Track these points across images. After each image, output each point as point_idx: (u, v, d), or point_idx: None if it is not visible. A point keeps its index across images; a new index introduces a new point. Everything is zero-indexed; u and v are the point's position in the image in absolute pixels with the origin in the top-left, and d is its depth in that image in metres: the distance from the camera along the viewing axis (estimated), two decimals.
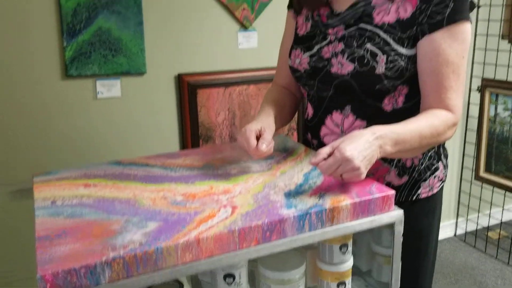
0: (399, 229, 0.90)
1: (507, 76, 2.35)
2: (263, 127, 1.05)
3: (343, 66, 1.03)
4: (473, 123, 2.56)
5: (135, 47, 1.80)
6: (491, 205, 2.59)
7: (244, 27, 1.98)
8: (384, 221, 0.89)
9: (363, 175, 0.89)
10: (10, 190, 1.05)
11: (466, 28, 1.00)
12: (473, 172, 2.58)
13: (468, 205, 2.70)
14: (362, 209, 0.87)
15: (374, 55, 1.00)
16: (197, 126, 1.97)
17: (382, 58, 1.00)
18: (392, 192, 0.90)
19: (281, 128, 1.72)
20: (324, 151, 0.90)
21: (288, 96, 1.25)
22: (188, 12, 1.87)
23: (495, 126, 2.42)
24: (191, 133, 1.96)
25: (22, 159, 1.69)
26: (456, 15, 0.98)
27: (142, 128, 1.88)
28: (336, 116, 1.09)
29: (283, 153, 1.13)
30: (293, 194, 0.89)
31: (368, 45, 1.01)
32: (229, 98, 2.01)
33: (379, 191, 0.89)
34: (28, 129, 1.69)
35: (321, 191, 0.90)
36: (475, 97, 2.51)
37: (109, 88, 1.81)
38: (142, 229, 0.75)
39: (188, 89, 1.92)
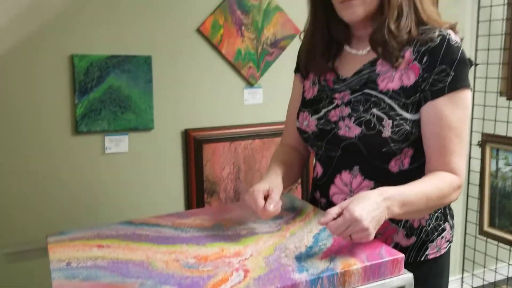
0: None
1: (506, 132, 2.39)
2: (271, 187, 1.07)
3: (350, 129, 1.07)
4: (475, 178, 2.58)
5: (144, 103, 1.85)
6: (496, 260, 2.57)
7: (250, 84, 2.04)
8: (395, 284, 0.90)
9: (372, 236, 0.90)
10: (18, 250, 1.05)
11: (466, 95, 1.05)
12: (477, 227, 2.57)
13: (474, 260, 2.67)
14: (373, 272, 0.87)
15: (380, 120, 1.04)
16: (202, 181, 1.99)
17: (388, 123, 1.03)
18: (401, 255, 0.91)
19: None
20: (333, 211, 0.91)
21: (296, 156, 1.28)
22: (196, 70, 1.93)
23: (497, 181, 2.44)
24: (196, 187, 1.98)
25: (32, 215, 1.71)
26: (457, 83, 1.03)
27: (148, 182, 1.90)
28: (345, 175, 1.12)
29: (291, 212, 1.14)
30: (304, 257, 0.90)
31: (374, 110, 1.05)
32: (234, 153, 2.04)
33: (389, 254, 0.91)
34: (37, 184, 1.71)
35: (331, 254, 0.91)
36: (476, 152, 2.54)
37: (117, 143, 1.84)
38: None
39: (194, 144, 1.96)
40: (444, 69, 1.03)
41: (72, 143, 1.76)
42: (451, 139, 1.03)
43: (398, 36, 1.05)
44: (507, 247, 2.47)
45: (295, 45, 2.05)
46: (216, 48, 1.95)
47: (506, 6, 2.37)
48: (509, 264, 2.57)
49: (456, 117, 1.03)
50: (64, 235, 1.01)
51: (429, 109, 1.04)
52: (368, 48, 1.12)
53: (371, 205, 0.90)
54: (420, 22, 1.08)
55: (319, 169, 1.19)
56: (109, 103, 1.80)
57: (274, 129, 2.08)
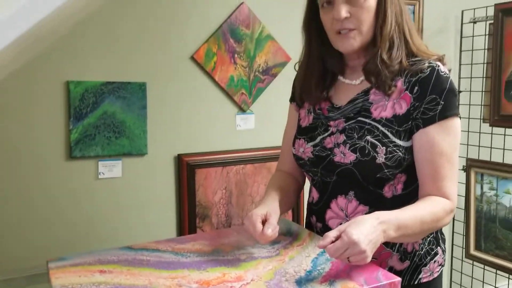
0: None
1: (490, 157, 2.46)
2: (269, 212, 1.10)
3: (345, 156, 1.11)
4: (461, 202, 2.64)
5: (138, 129, 1.88)
6: (483, 283, 2.61)
7: (242, 110, 2.08)
8: None
9: (369, 258, 0.93)
10: (18, 276, 1.05)
11: (456, 123, 1.10)
12: (464, 250, 2.62)
13: (461, 284, 2.71)
14: None
15: (374, 146, 1.08)
16: (194, 205, 2.00)
17: (382, 149, 1.07)
18: (398, 279, 0.94)
19: None
20: (332, 234, 0.94)
21: (292, 182, 1.31)
22: (190, 96, 1.97)
23: (482, 205, 2.50)
24: (189, 211, 1.99)
25: (27, 240, 1.70)
26: (447, 112, 1.08)
27: (142, 206, 1.91)
28: (341, 200, 1.15)
29: (288, 237, 1.17)
30: (304, 281, 0.92)
31: (368, 137, 1.09)
32: (226, 177, 2.06)
33: (386, 278, 0.93)
34: (33, 208, 1.71)
35: (330, 278, 0.93)
36: (461, 176, 2.60)
37: (111, 169, 1.85)
38: None
39: (187, 169, 1.98)
40: (434, 98, 1.08)
41: (66, 168, 1.76)
42: (443, 165, 1.07)
43: (390, 65, 1.10)
44: (493, 270, 2.51)
45: (286, 72, 2.11)
46: (209, 75, 1.99)
47: (487, 36, 2.48)
48: (495, 287, 2.60)
49: (447, 144, 1.08)
50: (65, 260, 1.01)
51: (421, 137, 1.08)
52: (361, 78, 1.17)
53: (368, 229, 0.94)
54: (410, 53, 1.14)
55: (315, 194, 1.22)
56: (104, 128, 1.82)
57: (266, 154, 2.12)
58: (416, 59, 1.12)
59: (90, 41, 1.76)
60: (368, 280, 0.92)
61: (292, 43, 2.11)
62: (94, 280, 0.91)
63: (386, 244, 1.12)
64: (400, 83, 1.11)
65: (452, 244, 2.74)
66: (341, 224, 1.15)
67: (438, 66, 1.10)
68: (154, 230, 1.92)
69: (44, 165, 1.73)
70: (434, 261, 1.16)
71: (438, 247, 1.18)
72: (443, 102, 1.08)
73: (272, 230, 1.05)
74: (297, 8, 2.05)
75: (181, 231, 1.99)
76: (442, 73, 1.10)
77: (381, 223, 0.97)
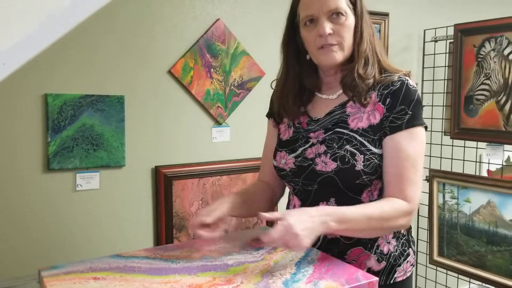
0: None
1: (451, 167, 2.61)
2: (212, 210, 1.19)
3: (327, 165, 1.18)
4: (424, 210, 2.77)
5: (116, 141, 1.90)
6: None
7: (218, 123, 2.14)
8: None
9: (304, 243, 1.01)
10: (10, 285, 1.07)
11: (421, 132, 1.20)
12: (428, 256, 2.74)
13: None
14: None
15: (353, 155, 1.16)
16: (171, 216, 2.04)
17: (360, 157, 1.16)
18: (376, 278, 1.01)
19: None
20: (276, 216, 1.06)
21: (266, 190, 1.39)
22: (167, 110, 2.01)
23: (444, 213, 2.63)
24: (166, 222, 2.02)
25: (9, 250, 1.70)
26: (414, 121, 1.18)
27: (119, 217, 1.93)
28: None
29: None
30: (290, 282, 0.98)
31: (347, 147, 1.17)
32: (202, 188, 2.11)
33: (365, 278, 1.01)
34: (14, 219, 1.71)
35: (314, 279, 1.00)
36: (425, 186, 2.74)
37: (88, 181, 1.87)
38: None
39: (164, 181, 2.01)
40: (403, 109, 1.17)
41: (44, 181, 1.77)
42: (408, 169, 1.16)
43: (366, 79, 1.19)
44: (455, 274, 2.65)
45: (260, 87, 2.19)
46: (186, 88, 2.04)
47: (447, 54, 2.64)
48: None
49: (412, 149, 1.17)
50: (57, 269, 1.04)
51: (388, 142, 1.18)
52: (338, 93, 1.25)
53: (306, 217, 1.04)
54: (381, 69, 1.23)
55: (297, 202, 1.29)
56: (82, 141, 1.84)
57: (241, 166, 2.18)
58: (387, 74, 1.22)
59: (69, 54, 1.79)
60: (349, 281, 0.99)
61: (266, 58, 2.20)
62: (89, 287, 0.95)
63: (365, 247, 1.20)
64: (374, 96, 1.20)
65: (417, 251, 2.87)
66: None
67: (407, 79, 1.21)
68: (131, 241, 1.94)
69: (23, 177, 1.73)
70: (407, 262, 1.25)
71: (410, 249, 1.27)
72: (410, 112, 1.17)
73: (206, 234, 1.15)
74: (271, 25, 2.16)
75: (158, 242, 2.01)
76: (411, 86, 1.20)
77: (322, 214, 1.06)
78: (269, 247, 1.19)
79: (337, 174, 1.17)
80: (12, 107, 1.71)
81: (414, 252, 1.29)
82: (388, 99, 1.19)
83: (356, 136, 1.19)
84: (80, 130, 1.83)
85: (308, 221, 1.02)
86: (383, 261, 1.22)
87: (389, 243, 1.23)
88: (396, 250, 1.24)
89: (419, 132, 1.19)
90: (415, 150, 1.17)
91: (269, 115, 1.42)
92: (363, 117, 1.20)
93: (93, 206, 1.87)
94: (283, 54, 1.31)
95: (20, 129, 1.73)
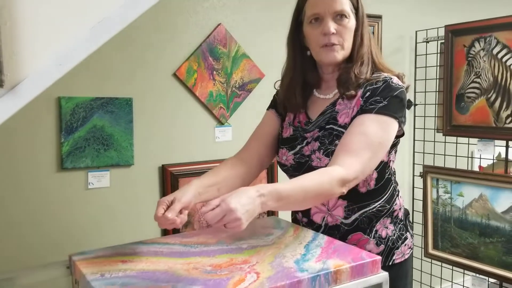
0: None
1: (444, 163, 2.72)
2: (175, 198, 1.16)
3: (321, 160, 1.28)
4: (419, 205, 2.88)
5: (125, 142, 1.99)
6: (441, 280, 2.84)
7: (220, 123, 2.24)
8: (374, 281, 1.09)
9: (243, 226, 1.01)
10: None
11: (391, 123, 1.21)
12: (423, 250, 2.85)
13: (421, 281, 2.93)
14: (358, 271, 1.06)
15: None
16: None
17: None
18: (378, 257, 1.11)
19: None
20: (214, 202, 1.02)
21: (238, 168, 1.37)
22: (173, 110, 2.10)
23: (438, 207, 2.74)
24: None
25: (27, 244, 1.80)
26: (386, 110, 1.22)
27: (129, 214, 2.01)
28: None
29: (279, 230, 1.32)
30: (301, 261, 1.07)
31: (337, 142, 1.25)
32: None
33: (369, 257, 1.10)
34: (31, 216, 1.81)
35: (322, 259, 1.09)
36: (419, 182, 2.85)
37: (99, 179, 1.95)
38: None
39: (170, 178, 2.10)
40: (379, 99, 1.23)
41: (59, 179, 1.86)
42: (359, 142, 1.17)
43: (359, 78, 1.28)
44: (450, 267, 2.75)
45: (260, 88, 2.29)
46: (190, 90, 2.14)
47: (439, 54, 2.75)
48: (452, 283, 2.84)
49: (374, 131, 1.18)
50: (86, 254, 1.13)
51: (355, 119, 1.23)
52: (333, 92, 1.35)
53: (246, 200, 1.00)
54: (374, 70, 1.32)
55: None
56: (93, 141, 1.93)
57: None
58: (377, 74, 1.30)
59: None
60: (355, 259, 1.08)
61: (265, 61, 2.30)
62: (120, 268, 1.03)
63: (364, 232, 1.30)
64: (360, 93, 1.28)
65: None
66: (324, 217, 1.33)
67: (392, 79, 1.27)
68: (140, 235, 2.01)
69: (38, 176, 1.82)
70: (405, 245, 1.35)
71: (407, 233, 1.37)
72: (385, 103, 1.22)
73: (171, 214, 1.10)
74: (270, 29, 2.26)
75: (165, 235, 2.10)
76: (393, 84, 1.25)
77: (260, 195, 1.03)
78: (279, 234, 1.28)
79: None
80: (28, 110, 1.78)
81: (411, 235, 1.39)
82: (368, 93, 1.25)
83: (344, 131, 1.25)
84: (91, 131, 1.92)
85: (249, 204, 1.01)
86: (382, 244, 1.31)
87: (387, 228, 1.33)
88: (394, 234, 1.33)
89: (387, 121, 1.20)
90: (375, 133, 1.18)
91: (271, 107, 1.48)
92: (349, 113, 1.28)
93: (104, 203, 1.95)
94: (289, 49, 1.39)
95: (36, 131, 1.81)
